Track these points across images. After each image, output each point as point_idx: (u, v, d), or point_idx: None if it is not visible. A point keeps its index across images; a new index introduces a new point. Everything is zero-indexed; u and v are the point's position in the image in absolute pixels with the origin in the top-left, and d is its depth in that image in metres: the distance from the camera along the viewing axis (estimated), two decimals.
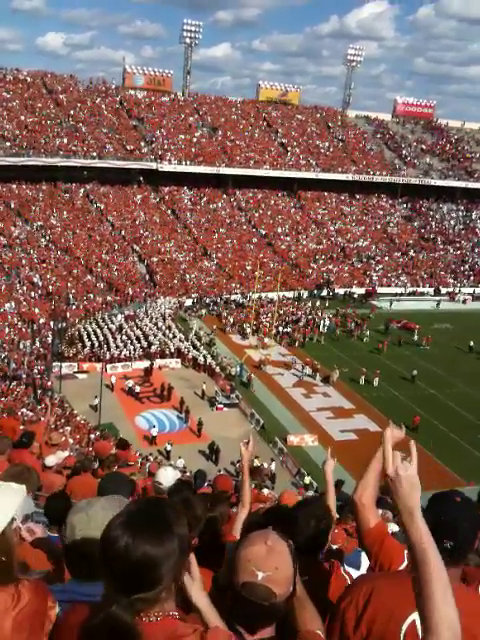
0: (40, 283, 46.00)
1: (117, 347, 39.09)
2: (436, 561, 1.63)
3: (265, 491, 13.62)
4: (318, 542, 3.07)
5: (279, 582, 1.79)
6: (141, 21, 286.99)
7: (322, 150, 73.11)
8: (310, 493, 18.16)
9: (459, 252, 68.39)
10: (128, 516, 1.58)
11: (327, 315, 49.42)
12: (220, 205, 65.28)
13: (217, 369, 37.92)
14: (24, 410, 26.55)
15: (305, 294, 55.72)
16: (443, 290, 60.94)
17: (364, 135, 78.73)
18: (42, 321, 40.46)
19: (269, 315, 47.20)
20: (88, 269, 50.38)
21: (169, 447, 28.14)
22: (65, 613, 1.99)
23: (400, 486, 1.73)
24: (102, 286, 48.93)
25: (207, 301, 51.07)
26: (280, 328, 45.65)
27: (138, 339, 40.76)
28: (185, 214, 62.12)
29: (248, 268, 55.99)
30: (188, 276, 53.69)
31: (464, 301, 59.02)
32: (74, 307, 44.58)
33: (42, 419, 19.86)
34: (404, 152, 77.02)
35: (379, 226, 69.85)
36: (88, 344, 39.14)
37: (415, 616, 1.87)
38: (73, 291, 46.33)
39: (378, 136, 79.55)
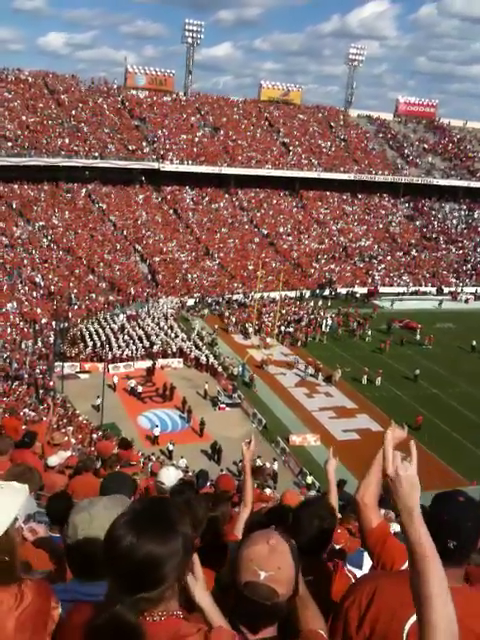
0: (42, 283, 46.05)
1: (119, 347, 39.11)
2: (435, 561, 1.63)
3: (267, 491, 13.62)
4: (321, 542, 3.06)
5: (281, 582, 1.79)
6: (143, 21, 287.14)
7: (324, 150, 73.08)
8: (312, 493, 18.17)
9: (461, 251, 68.34)
10: (132, 515, 1.59)
11: (329, 315, 49.41)
12: (222, 205, 65.30)
13: (219, 369, 37.92)
14: (26, 410, 26.59)
15: (307, 294, 55.70)
16: (445, 289, 60.88)
17: (366, 135, 78.68)
18: (44, 321, 40.51)
19: (271, 315, 47.20)
20: (90, 269, 50.43)
21: (171, 447, 28.16)
22: (68, 613, 1.99)
23: (400, 486, 1.73)
24: (104, 286, 48.97)
25: (209, 301, 51.07)
26: (282, 328, 45.63)
27: (140, 339, 40.78)
28: (187, 214, 62.14)
29: (250, 268, 55.99)
30: (190, 276, 53.71)
31: (466, 300, 58.97)
32: (76, 307, 44.63)
33: (44, 419, 19.90)
34: (406, 151, 76.96)
35: (381, 226, 69.82)
36: (90, 344, 39.17)
37: None
38: (75, 291, 46.37)
39: (380, 136, 79.50)
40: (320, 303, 52.78)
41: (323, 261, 61.41)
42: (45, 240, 51.80)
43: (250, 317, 46.72)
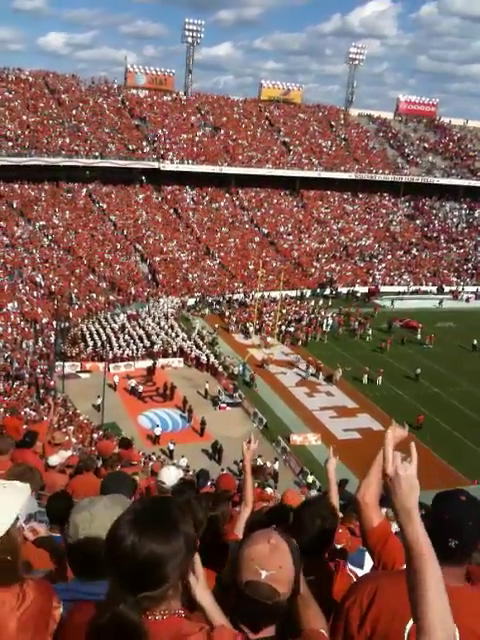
0: (43, 283, 46.06)
1: (120, 346, 39.13)
2: (431, 561, 1.64)
3: (268, 490, 13.63)
4: (323, 542, 3.06)
5: (282, 581, 1.79)
6: (143, 21, 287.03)
7: (324, 149, 73.06)
8: (313, 492, 18.20)
9: (462, 251, 68.31)
10: (134, 515, 1.59)
11: (330, 314, 49.40)
12: (222, 204, 65.30)
13: (220, 368, 37.92)
14: (27, 409, 26.59)
15: (308, 293, 55.68)
16: (446, 288, 60.85)
17: (367, 134, 78.66)
18: (45, 321, 40.52)
19: (272, 314, 47.20)
20: (90, 269, 50.44)
21: (172, 446, 28.17)
22: (69, 612, 1.99)
23: (399, 487, 1.73)
24: (105, 286, 48.99)
25: (210, 300, 51.08)
26: (283, 327, 45.64)
27: (141, 338, 40.80)
28: (187, 213, 62.14)
29: (251, 267, 55.98)
30: (190, 275, 53.71)
31: (467, 299, 58.96)
32: (77, 307, 44.65)
33: (45, 418, 19.90)
34: (407, 150, 76.93)
35: (382, 225, 69.80)
36: (91, 344, 39.19)
37: None
38: (76, 291, 46.39)
39: (381, 135, 79.47)
40: (321, 302, 52.78)
41: (324, 260, 61.40)
42: (46, 240, 51.82)
43: (251, 316, 46.72)
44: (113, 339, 39.87)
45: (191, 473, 16.02)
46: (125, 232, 56.64)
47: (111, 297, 47.67)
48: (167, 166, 62.06)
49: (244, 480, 4.00)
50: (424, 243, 68.33)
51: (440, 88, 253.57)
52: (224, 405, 33.75)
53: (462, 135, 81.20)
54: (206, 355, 39.21)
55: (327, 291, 56.59)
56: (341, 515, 5.50)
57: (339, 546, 4.60)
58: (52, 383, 33.78)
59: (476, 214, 74.07)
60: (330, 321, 47.67)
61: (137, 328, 42.57)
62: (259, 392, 35.87)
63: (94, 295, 46.96)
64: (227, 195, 66.44)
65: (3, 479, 2.52)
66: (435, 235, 69.88)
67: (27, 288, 44.53)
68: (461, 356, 43.43)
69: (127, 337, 40.63)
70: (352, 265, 62.02)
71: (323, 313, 49.61)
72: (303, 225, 65.84)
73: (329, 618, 2.20)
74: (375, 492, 2.59)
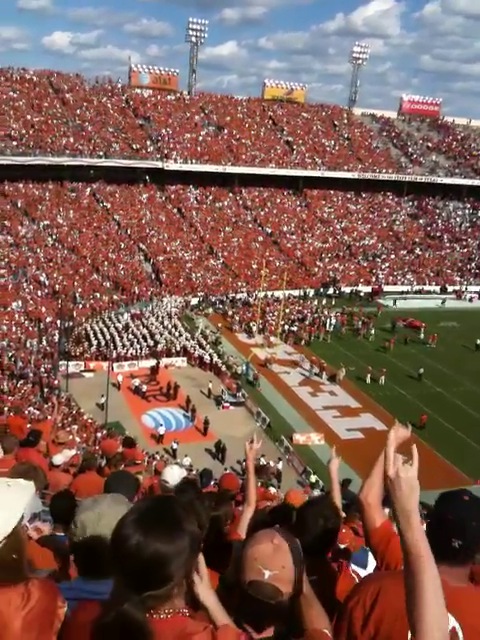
0: (47, 282, 46.14)
1: (123, 346, 39.18)
2: (429, 564, 1.64)
3: (272, 490, 13.65)
4: (326, 542, 3.06)
5: (286, 581, 1.80)
6: (147, 20, 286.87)
7: (328, 148, 72.99)
8: (316, 492, 18.18)
9: (466, 250, 68.16)
10: (139, 514, 1.59)
11: (333, 313, 49.37)
12: (226, 204, 65.29)
13: (223, 368, 37.94)
14: (31, 408, 26.63)
15: (311, 292, 55.65)
16: (449, 288, 60.74)
17: (370, 133, 78.57)
18: (49, 320, 40.60)
19: (275, 314, 47.19)
20: (94, 268, 50.50)
21: (175, 446, 28.20)
22: (73, 611, 1.99)
23: (399, 489, 1.74)
24: (108, 285, 49.05)
25: (213, 300, 51.09)
26: (286, 327, 45.62)
27: (144, 338, 40.84)
28: (191, 213, 62.16)
29: (254, 266, 55.95)
30: (194, 275, 53.73)
31: (470, 299, 58.84)
32: (80, 306, 44.72)
33: (49, 418, 19.92)
34: (410, 150, 76.81)
35: (385, 224, 69.71)
36: (94, 343, 39.25)
37: None
38: (79, 290, 46.46)
39: (384, 134, 79.36)
40: (324, 302, 52.74)
41: (327, 260, 61.36)
42: (50, 239, 51.90)
43: (254, 316, 46.70)
44: (117, 338, 39.92)
45: (194, 472, 16.03)
46: (129, 231, 56.68)
47: (115, 296, 47.72)
48: (171, 165, 62.08)
49: (247, 480, 4.00)
50: (427, 243, 68.21)
51: (443, 87, 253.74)
52: (227, 404, 33.76)
53: (465, 134, 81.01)
54: (209, 354, 39.22)
55: (330, 290, 56.54)
56: (344, 515, 5.50)
57: (342, 546, 4.60)
58: (56, 382, 33.84)
59: (479, 213, 73.98)
60: (333, 321, 47.64)
61: (141, 327, 42.61)
62: (262, 391, 35.86)
63: (98, 294, 47.02)
64: (230, 194, 66.43)
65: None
66: (438, 234, 69.75)
67: (31, 287, 44.62)
68: (464, 356, 43.34)
69: (131, 336, 40.67)
70: (355, 264, 61.96)
71: (326, 313, 49.56)
72: (306, 224, 65.79)
73: (332, 618, 2.20)
74: (378, 493, 2.59)
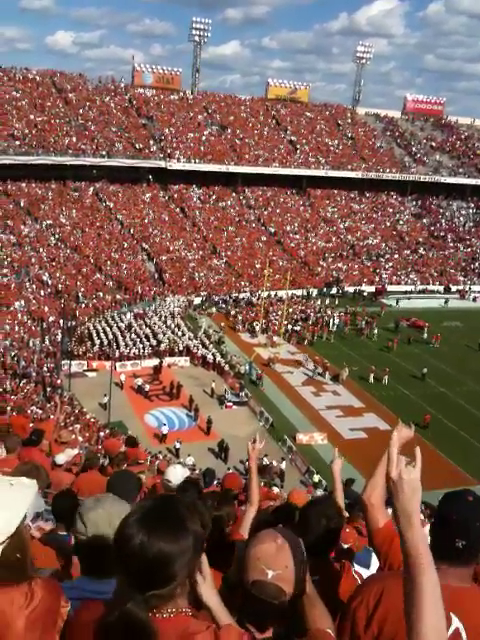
0: (49, 281, 46.20)
1: (126, 345, 39.21)
2: (429, 568, 1.64)
3: (274, 489, 13.64)
4: (329, 541, 3.05)
5: (289, 580, 1.80)
6: (150, 19, 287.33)
7: (331, 148, 72.93)
8: (319, 491, 18.17)
9: (469, 250, 68.05)
10: (142, 513, 1.59)
11: (336, 313, 49.34)
12: (229, 203, 65.29)
13: (226, 367, 37.94)
14: (34, 408, 26.64)
15: (314, 292, 55.62)
16: (453, 288, 60.64)
17: (374, 132, 78.48)
18: (51, 319, 40.62)
19: (278, 313, 47.18)
20: (97, 267, 50.56)
21: (178, 445, 28.20)
22: (76, 611, 1.99)
23: (401, 490, 1.73)
24: (111, 284, 49.10)
25: (216, 299, 51.10)
26: (289, 326, 45.61)
27: (147, 337, 40.87)
28: (194, 212, 62.17)
29: (257, 266, 55.96)
30: (197, 274, 53.74)
31: (474, 299, 58.75)
32: (83, 305, 44.77)
33: (52, 417, 19.97)
34: (414, 149, 76.70)
35: (389, 224, 69.64)
36: (97, 342, 39.27)
37: None
38: (82, 289, 46.51)
39: (388, 133, 79.27)
40: (327, 302, 52.73)
41: (330, 259, 61.31)
42: (53, 239, 51.97)
43: (257, 316, 46.70)
44: (120, 338, 39.95)
45: (197, 472, 16.04)
46: (132, 231, 56.72)
47: (118, 296, 47.76)
48: (174, 165, 62.10)
49: (250, 480, 3.99)
50: (431, 242, 68.12)
51: (447, 87, 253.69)
52: (230, 404, 33.74)
53: (469, 134, 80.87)
54: (212, 354, 39.22)
55: (334, 290, 56.49)
56: (347, 515, 5.49)
57: (346, 546, 4.59)
58: (59, 381, 33.87)
59: None
60: (336, 320, 47.62)
61: (143, 327, 42.64)
62: (265, 391, 35.85)
63: (101, 294, 47.08)
64: (234, 194, 66.42)
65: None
66: (442, 234, 69.65)
67: (34, 287, 44.65)
68: (468, 356, 43.28)
69: (134, 336, 40.70)
70: (359, 264, 61.90)
71: (330, 312, 49.54)
72: (310, 224, 65.75)
73: (335, 618, 2.20)
74: (381, 493, 2.58)
